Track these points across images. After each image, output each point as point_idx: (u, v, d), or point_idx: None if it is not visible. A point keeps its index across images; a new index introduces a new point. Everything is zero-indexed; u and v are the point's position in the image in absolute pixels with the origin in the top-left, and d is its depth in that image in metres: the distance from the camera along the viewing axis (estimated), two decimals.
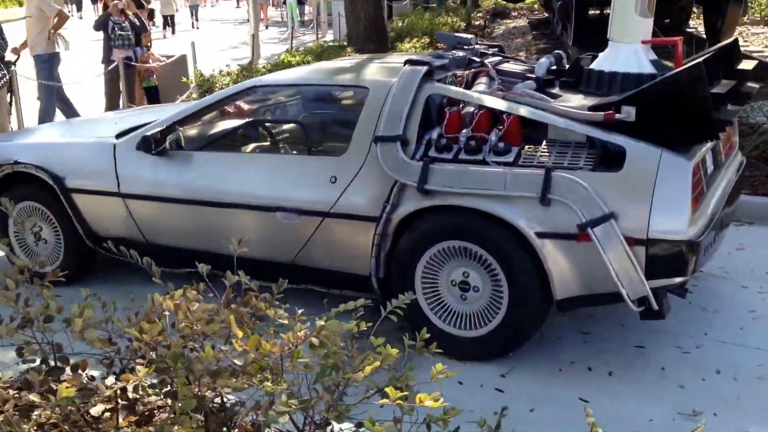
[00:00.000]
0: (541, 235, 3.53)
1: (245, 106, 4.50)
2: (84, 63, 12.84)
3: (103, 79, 10.11)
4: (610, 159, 3.55)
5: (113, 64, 9.80)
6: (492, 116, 3.86)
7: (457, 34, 4.65)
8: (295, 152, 4.11)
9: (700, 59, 3.64)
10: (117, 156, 4.52)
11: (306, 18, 26.82)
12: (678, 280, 3.46)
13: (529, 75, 4.20)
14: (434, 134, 3.84)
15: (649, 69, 3.95)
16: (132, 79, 10.38)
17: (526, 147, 3.75)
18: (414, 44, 12.30)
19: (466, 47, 4.54)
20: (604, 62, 4.09)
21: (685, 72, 3.52)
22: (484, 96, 3.88)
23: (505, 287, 3.64)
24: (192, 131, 4.47)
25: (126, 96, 9.93)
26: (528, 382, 3.59)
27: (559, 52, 4.53)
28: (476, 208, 3.62)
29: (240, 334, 1.90)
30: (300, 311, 2.14)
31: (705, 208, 3.58)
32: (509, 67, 4.43)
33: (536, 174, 3.51)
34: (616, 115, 3.55)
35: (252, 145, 4.28)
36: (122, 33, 10.24)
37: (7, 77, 7.95)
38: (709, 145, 3.79)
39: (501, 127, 3.78)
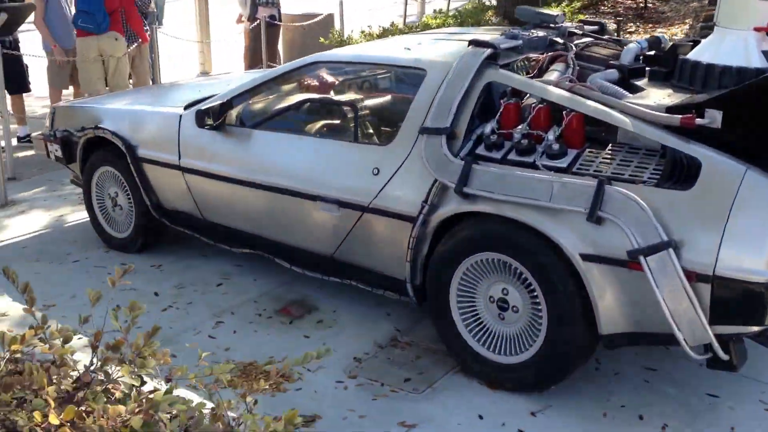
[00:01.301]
0: (587, 258, 3.00)
1: (316, 81, 4.20)
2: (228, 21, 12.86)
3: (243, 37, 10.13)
4: (683, 173, 2.93)
5: (256, 22, 9.78)
6: (553, 111, 3.33)
7: (541, 10, 4.04)
8: (342, 137, 3.78)
9: None
10: (181, 128, 4.38)
11: None
12: (754, 328, 2.83)
13: (613, 63, 3.58)
14: (488, 129, 3.37)
15: (758, 63, 3.23)
16: (274, 38, 10.32)
17: (588, 151, 3.20)
18: (567, 6, 11.24)
19: (552, 25, 3.95)
20: (704, 51, 3.39)
21: None
22: (547, 86, 3.34)
23: (544, 312, 3.15)
24: (252, 107, 4.23)
25: (266, 55, 9.87)
26: (560, 425, 3.09)
27: (658, 36, 3.84)
28: (516, 219, 3.14)
29: (52, 403, 1.60)
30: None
31: None
32: (599, 51, 3.81)
33: (588, 185, 2.97)
34: (698, 120, 2.93)
35: (303, 127, 3.99)
36: None
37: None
38: None
39: (561, 125, 3.25)
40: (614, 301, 3.00)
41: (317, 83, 4.16)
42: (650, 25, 12.67)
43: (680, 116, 2.95)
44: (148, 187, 4.58)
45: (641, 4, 13.99)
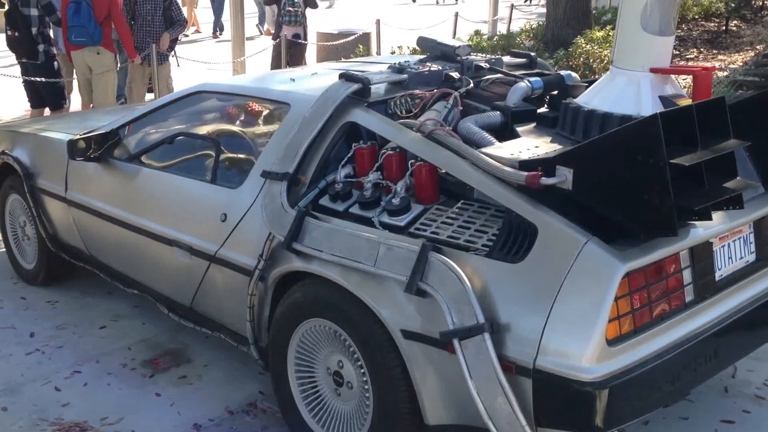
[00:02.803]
0: (408, 335, 2.54)
1: (197, 112, 3.84)
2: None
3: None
4: (520, 242, 2.45)
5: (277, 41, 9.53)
6: (407, 159, 2.89)
7: (443, 40, 3.54)
8: (202, 177, 3.41)
9: (679, 107, 2.42)
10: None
11: None
12: None
13: (498, 104, 3.10)
14: (341, 175, 2.95)
15: (648, 109, 2.71)
16: (298, 58, 10.04)
17: (436, 208, 2.74)
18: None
19: (453, 58, 3.47)
20: (595, 94, 2.88)
21: (636, 126, 2.33)
22: (403, 130, 2.90)
23: (371, 393, 2.70)
24: (134, 138, 3.90)
25: None
26: None
27: (562, 73, 3.33)
28: (340, 283, 2.70)
29: None
30: None
31: (655, 336, 2.38)
32: (497, 90, 3.31)
33: (414, 250, 2.52)
34: (543, 179, 2.44)
35: (170, 162, 3.63)
36: (290, 9, 9.92)
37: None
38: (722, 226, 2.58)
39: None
40: (438, 387, 2.52)
41: (198, 114, 3.80)
42: (715, 51, 11.80)
43: (526, 174, 2.48)
44: (42, 218, 4.31)
45: (722, 27, 13.14)
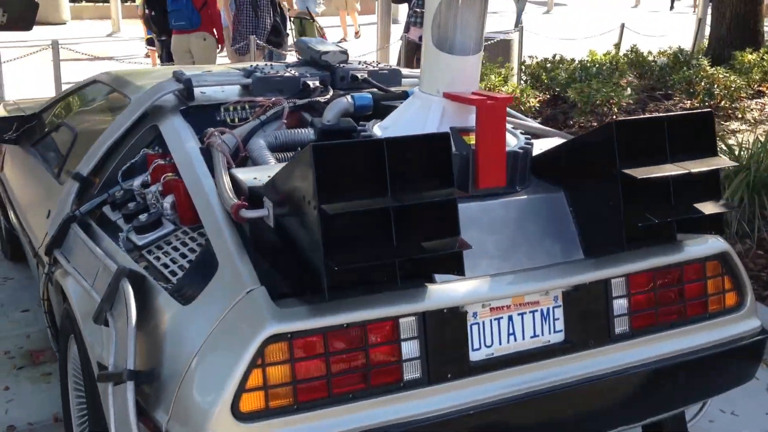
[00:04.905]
0: (101, 369, 2.27)
1: (91, 102, 3.72)
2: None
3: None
4: (203, 279, 2.11)
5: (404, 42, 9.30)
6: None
7: (314, 45, 3.14)
8: (52, 170, 3.28)
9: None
10: None
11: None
12: None
13: (315, 120, 2.72)
14: (136, 183, 2.71)
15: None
16: None
17: (185, 229, 2.43)
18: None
19: (319, 64, 3.10)
20: (394, 117, 2.43)
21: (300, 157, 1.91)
22: (189, 141, 2.60)
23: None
24: (41, 125, 3.87)
25: None
26: None
27: (408, 90, 2.84)
28: (69, 298, 2.49)
29: None
30: None
31: (335, 415, 1.94)
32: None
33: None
34: (243, 211, 2.08)
35: (45, 154, 3.53)
36: (417, 10, 9.61)
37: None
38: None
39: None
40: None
41: (91, 104, 3.70)
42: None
43: (233, 203, 2.12)
44: None
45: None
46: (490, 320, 2.14)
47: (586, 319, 2.26)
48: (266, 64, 3.12)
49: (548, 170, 2.39)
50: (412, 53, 9.45)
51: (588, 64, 8.38)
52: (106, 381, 2.06)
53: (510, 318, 2.18)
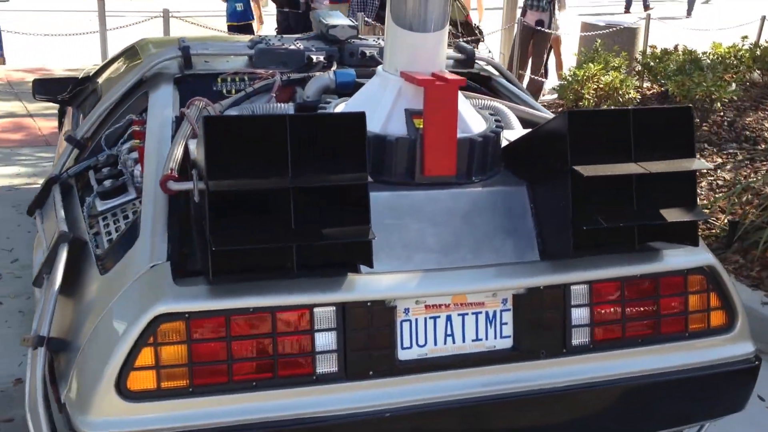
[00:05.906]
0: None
1: None
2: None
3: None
4: (125, 248, 2.08)
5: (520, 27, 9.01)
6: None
7: (324, 18, 2.98)
8: (74, 132, 3.33)
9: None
10: None
11: None
12: None
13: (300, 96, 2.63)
14: (124, 148, 2.72)
15: (380, 120, 2.10)
16: (540, 47, 9.27)
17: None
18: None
19: (327, 38, 2.98)
20: (357, 96, 2.31)
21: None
22: (167, 108, 2.57)
23: None
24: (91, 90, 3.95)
25: (532, 66, 9.05)
26: None
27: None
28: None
29: None
30: None
31: (232, 402, 1.87)
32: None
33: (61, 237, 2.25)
34: (171, 183, 2.03)
35: (80, 114, 3.61)
36: None
37: None
38: None
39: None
40: None
41: (121, 69, 3.72)
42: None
43: (163, 174, 2.07)
44: None
45: None
46: (425, 318, 2.01)
47: (540, 327, 2.08)
48: (276, 37, 3.05)
49: (514, 162, 2.21)
50: (527, 37, 9.14)
51: (701, 57, 7.79)
52: (26, 345, 2.06)
53: (449, 318, 2.03)
